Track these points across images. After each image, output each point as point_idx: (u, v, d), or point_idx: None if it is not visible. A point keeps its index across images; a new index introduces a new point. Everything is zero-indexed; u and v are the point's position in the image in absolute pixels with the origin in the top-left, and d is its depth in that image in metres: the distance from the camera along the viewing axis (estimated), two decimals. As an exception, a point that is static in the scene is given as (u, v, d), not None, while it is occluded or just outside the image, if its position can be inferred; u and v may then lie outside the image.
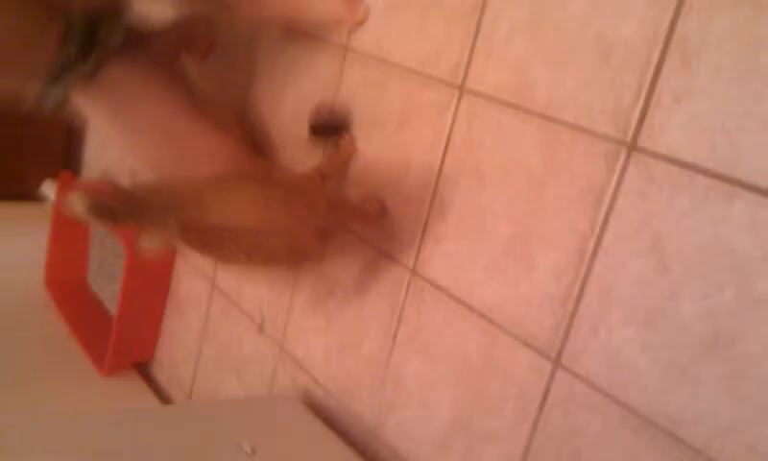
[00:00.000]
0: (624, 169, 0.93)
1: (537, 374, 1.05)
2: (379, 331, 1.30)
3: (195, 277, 1.80)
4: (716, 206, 0.85)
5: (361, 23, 1.31)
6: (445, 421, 1.19)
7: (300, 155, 1.46)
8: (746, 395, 0.83)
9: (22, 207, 2.41)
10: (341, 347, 1.39)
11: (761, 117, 0.81)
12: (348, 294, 1.36)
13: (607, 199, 0.95)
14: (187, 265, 1.84)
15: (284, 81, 1.50)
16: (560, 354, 1.02)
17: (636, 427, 0.93)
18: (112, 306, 2.07)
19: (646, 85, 0.91)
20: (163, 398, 1.93)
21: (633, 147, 0.92)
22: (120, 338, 1.84)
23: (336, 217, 1.29)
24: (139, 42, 1.18)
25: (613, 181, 0.94)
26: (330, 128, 1.38)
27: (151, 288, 1.92)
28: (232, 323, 1.68)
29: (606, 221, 0.96)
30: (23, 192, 2.40)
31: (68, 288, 2.20)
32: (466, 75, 1.14)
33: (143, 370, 2.00)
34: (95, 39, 1.09)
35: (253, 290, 1.62)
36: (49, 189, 2.36)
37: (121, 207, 0.93)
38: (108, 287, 2.15)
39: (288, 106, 1.49)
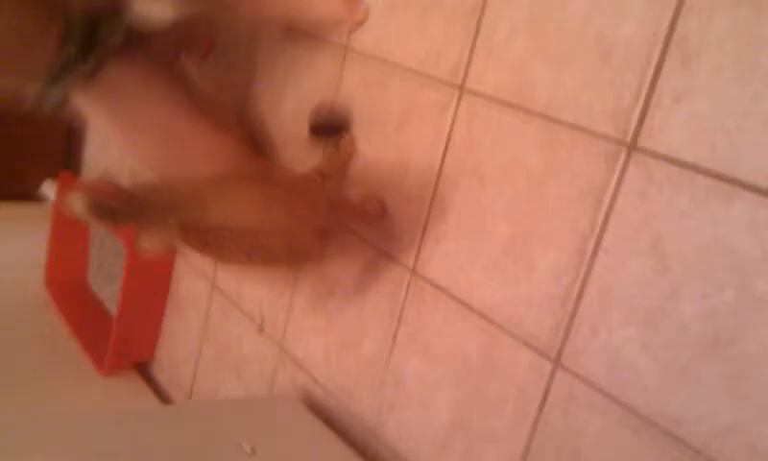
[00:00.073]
0: (624, 169, 0.93)
1: (537, 374, 1.05)
2: (379, 331, 1.30)
3: (195, 277, 1.80)
4: (716, 206, 0.85)
5: (361, 23, 1.31)
6: (445, 421, 1.19)
7: (300, 154, 1.46)
8: (746, 395, 0.83)
9: (22, 207, 2.41)
10: (341, 347, 1.39)
11: (761, 117, 0.81)
12: (348, 294, 1.36)
13: (607, 199, 0.95)
14: (187, 265, 1.84)
15: (284, 81, 1.50)
16: (560, 354, 1.02)
17: (636, 427, 0.93)
18: (112, 306, 2.07)
19: (646, 85, 0.91)
20: (163, 398, 1.93)
21: (633, 147, 0.92)
22: (120, 338, 1.84)
23: (336, 217, 1.29)
24: (139, 42, 1.18)
25: (613, 181, 0.95)
26: (330, 128, 1.38)
27: (151, 288, 1.92)
28: (232, 323, 1.68)
29: (606, 221, 0.96)
30: (23, 192, 2.40)
31: (68, 288, 2.20)
32: (466, 75, 1.14)
33: (143, 370, 2.00)
34: (95, 39, 1.09)
35: (253, 290, 1.62)
36: (49, 189, 2.37)
37: (121, 207, 0.93)
38: (107, 287, 2.15)
39: (288, 106, 1.49)
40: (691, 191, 0.87)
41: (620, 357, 0.95)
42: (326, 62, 1.39)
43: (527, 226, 1.06)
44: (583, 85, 0.98)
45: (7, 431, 1.08)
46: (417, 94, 1.22)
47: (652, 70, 0.90)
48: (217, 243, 1.06)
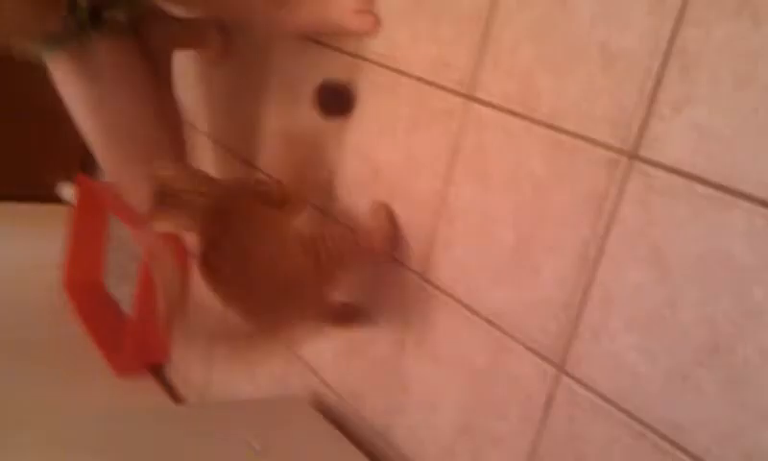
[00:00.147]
0: (625, 177, 0.94)
1: (541, 379, 1.06)
2: (388, 335, 1.32)
3: (208, 279, 1.82)
4: (714, 214, 0.85)
5: (371, 33, 1.33)
6: (452, 425, 1.20)
7: (310, 160, 1.48)
8: (745, 401, 0.84)
9: (40, 209, 2.45)
10: (350, 350, 1.40)
11: (759, 127, 0.82)
12: (357, 297, 1.38)
13: (608, 207, 0.96)
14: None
15: (297, 87, 1.52)
16: (563, 360, 1.03)
17: (638, 433, 0.94)
18: (128, 307, 2.10)
19: (647, 95, 0.92)
20: (177, 398, 1.95)
21: (634, 156, 0.93)
22: (136, 340, 1.87)
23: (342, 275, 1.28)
24: (140, 29, 1.21)
25: (615, 190, 0.96)
26: (336, 103, 1.40)
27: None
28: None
29: (608, 228, 0.97)
30: (41, 193, 2.44)
31: (85, 289, 2.23)
32: (473, 83, 1.16)
33: (157, 371, 2.03)
34: (99, 18, 1.12)
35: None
36: (65, 191, 2.40)
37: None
38: (124, 288, 2.18)
39: (301, 112, 1.51)
40: (690, 200, 0.87)
41: (622, 363, 0.96)
42: (338, 70, 1.41)
43: (532, 232, 1.07)
44: (585, 95, 0.99)
45: (23, 430, 1.10)
46: (425, 101, 1.24)
47: (652, 80, 0.91)
48: (236, 284, 1.11)
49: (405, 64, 1.27)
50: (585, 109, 0.99)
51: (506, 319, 1.11)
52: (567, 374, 1.02)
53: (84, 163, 2.49)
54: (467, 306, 1.17)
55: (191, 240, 1.12)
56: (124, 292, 2.18)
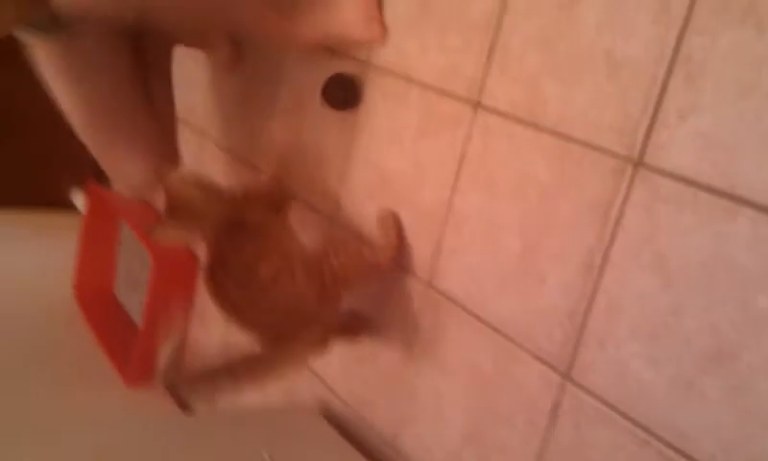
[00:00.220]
0: (630, 185, 0.95)
1: (547, 387, 1.06)
2: (395, 344, 1.32)
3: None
4: (719, 222, 0.86)
5: (379, 42, 1.34)
6: (459, 433, 1.21)
7: (319, 174, 1.49)
8: (749, 408, 0.84)
9: (51, 216, 2.46)
10: (358, 359, 1.41)
11: (763, 135, 0.82)
12: (364, 306, 1.38)
13: (614, 214, 0.97)
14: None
15: (308, 95, 1.54)
16: (569, 368, 1.03)
17: (643, 440, 0.94)
18: (138, 316, 2.11)
19: (652, 103, 0.92)
20: (186, 408, 1.96)
21: (639, 163, 0.94)
22: (145, 349, 1.88)
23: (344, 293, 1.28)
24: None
25: (620, 197, 0.96)
26: (344, 88, 1.41)
27: (176, 298, 1.95)
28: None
29: (613, 236, 0.97)
30: (52, 201, 2.45)
31: (96, 297, 2.25)
32: (481, 90, 1.16)
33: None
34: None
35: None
36: (77, 199, 2.42)
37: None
38: (134, 297, 2.19)
39: (312, 121, 1.53)
40: (695, 207, 0.88)
41: (627, 371, 0.96)
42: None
43: (538, 240, 1.07)
44: (592, 102, 1.00)
45: (33, 437, 1.11)
46: (433, 109, 1.24)
47: (658, 88, 0.92)
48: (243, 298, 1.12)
49: (414, 73, 1.28)
50: (591, 117, 1.00)
51: (512, 327, 1.11)
52: (573, 381, 1.03)
53: (95, 171, 2.51)
54: (473, 314, 1.17)
55: (200, 254, 1.14)
56: (134, 300, 2.19)
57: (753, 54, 0.83)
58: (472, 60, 1.17)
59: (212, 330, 1.86)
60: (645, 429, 0.94)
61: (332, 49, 1.43)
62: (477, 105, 1.16)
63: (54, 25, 1.16)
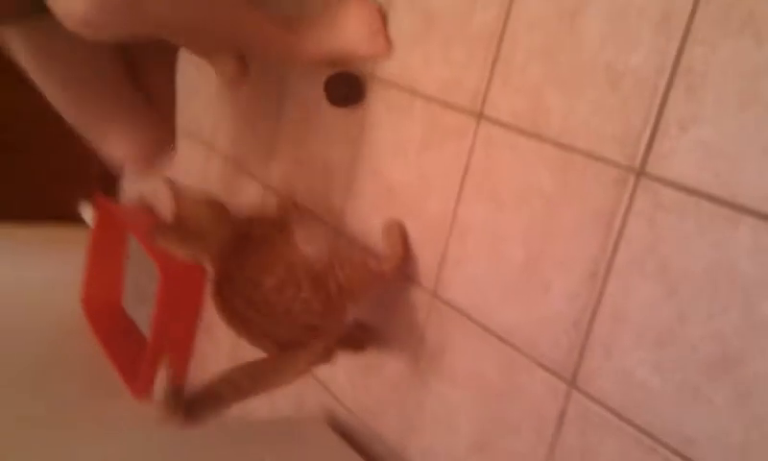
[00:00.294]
0: (633, 194, 0.96)
1: (553, 395, 1.07)
2: (401, 354, 1.33)
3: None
4: (721, 230, 0.87)
5: (385, 57, 1.36)
6: (467, 442, 1.21)
7: (325, 185, 1.50)
8: (756, 414, 0.84)
9: (60, 230, 2.48)
10: (365, 369, 1.41)
11: (762, 144, 0.83)
12: (370, 317, 1.39)
13: (617, 223, 0.98)
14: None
15: (313, 109, 1.55)
16: (575, 376, 1.04)
17: (649, 448, 0.94)
18: (146, 329, 2.12)
19: (654, 113, 0.93)
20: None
21: (641, 173, 0.95)
22: (153, 361, 1.89)
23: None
24: None
25: (623, 206, 0.97)
26: (346, 84, 1.43)
27: (183, 311, 1.96)
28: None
29: (616, 245, 0.98)
30: (61, 215, 2.47)
31: (104, 311, 2.26)
32: (484, 102, 1.18)
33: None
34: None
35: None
36: (85, 212, 2.43)
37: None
38: (142, 310, 2.20)
39: (317, 133, 1.54)
40: (697, 216, 0.89)
41: (633, 378, 0.97)
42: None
43: (542, 249, 1.08)
44: (594, 113, 1.01)
45: (42, 449, 1.12)
46: (438, 121, 1.26)
47: (659, 99, 0.93)
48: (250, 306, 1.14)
49: (417, 85, 1.29)
50: (593, 128, 1.01)
51: (517, 335, 1.12)
52: (579, 389, 1.03)
53: (103, 185, 2.53)
54: (478, 323, 1.18)
55: (207, 270, 1.15)
56: (142, 313, 2.20)
57: (752, 64, 0.84)
58: (475, 73, 1.19)
59: (220, 343, 1.87)
60: (651, 436, 0.94)
61: (337, 63, 1.44)
62: (480, 116, 1.18)
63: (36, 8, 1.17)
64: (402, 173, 1.32)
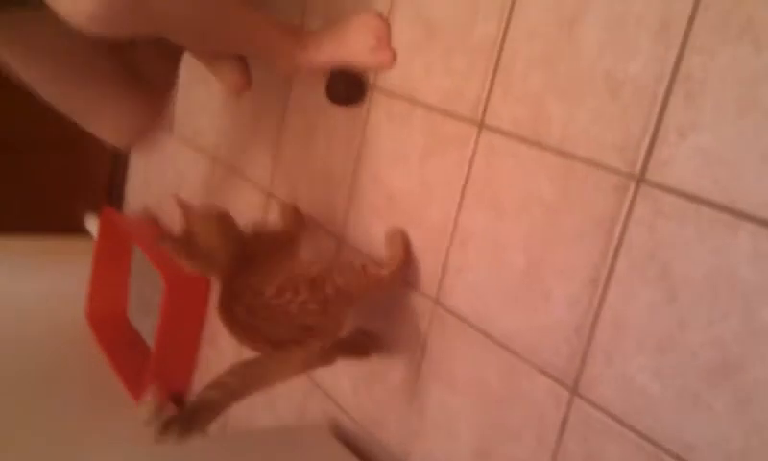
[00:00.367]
0: (633, 201, 0.96)
1: (555, 401, 1.07)
2: (404, 361, 1.34)
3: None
4: (721, 237, 0.87)
5: (388, 67, 1.37)
6: (469, 449, 1.21)
7: (327, 194, 1.51)
8: (757, 420, 0.85)
9: (65, 241, 2.49)
10: (367, 377, 1.42)
11: (761, 151, 0.83)
12: (373, 324, 1.40)
13: (617, 230, 0.98)
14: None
15: (315, 117, 1.56)
16: (576, 382, 1.04)
17: (651, 454, 0.95)
18: (151, 339, 2.13)
19: (653, 121, 0.94)
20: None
21: (641, 180, 0.95)
22: (157, 371, 1.89)
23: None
24: None
25: (623, 213, 0.97)
26: (347, 83, 1.44)
27: (187, 321, 1.96)
28: (265, 354, 1.72)
29: (617, 251, 0.98)
30: (66, 226, 2.48)
31: (109, 321, 2.27)
32: (485, 111, 1.18)
33: (179, 401, 2.04)
34: None
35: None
36: (91, 224, 2.44)
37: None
38: (147, 321, 2.21)
39: (319, 141, 1.55)
40: (697, 223, 0.89)
41: (634, 385, 0.97)
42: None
43: (543, 256, 1.09)
44: (594, 121, 1.01)
45: (48, 459, 1.12)
46: (439, 130, 1.26)
47: (658, 106, 0.94)
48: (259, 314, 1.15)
49: (419, 95, 1.30)
50: (593, 135, 1.01)
51: (519, 342, 1.12)
52: (581, 396, 1.04)
53: (109, 196, 2.54)
54: (480, 330, 1.18)
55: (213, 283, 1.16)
56: (146, 324, 2.21)
57: (750, 71, 0.85)
58: (476, 82, 1.19)
59: (224, 353, 1.87)
60: (653, 442, 0.94)
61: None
62: (482, 125, 1.18)
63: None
64: (404, 181, 1.33)
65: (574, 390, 1.04)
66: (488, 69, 1.18)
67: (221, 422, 1.85)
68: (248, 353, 1.18)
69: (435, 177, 1.27)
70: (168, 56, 1.59)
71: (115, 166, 2.54)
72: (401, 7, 1.34)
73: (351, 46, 1.38)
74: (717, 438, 0.88)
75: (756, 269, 0.84)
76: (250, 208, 1.79)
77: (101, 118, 1.44)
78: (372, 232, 1.40)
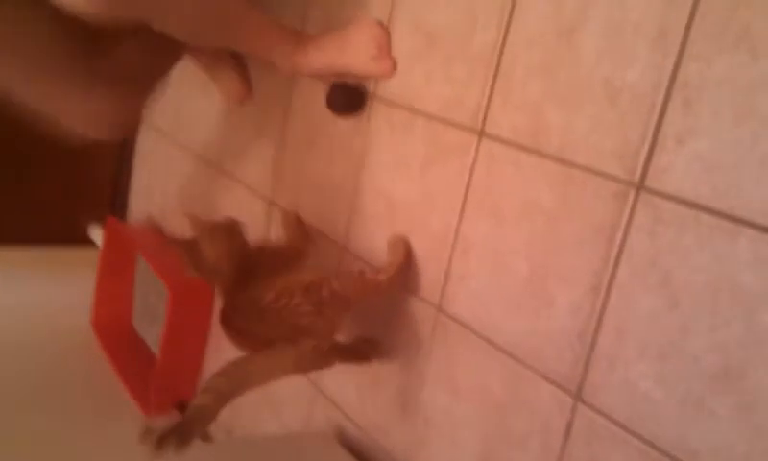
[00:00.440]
0: (633, 208, 0.97)
1: (559, 408, 1.08)
2: (408, 368, 1.34)
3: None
4: (720, 243, 0.87)
5: (389, 78, 1.37)
6: (473, 456, 1.22)
7: (331, 200, 1.52)
8: (759, 425, 0.85)
9: (70, 251, 2.50)
10: (372, 384, 1.42)
11: (759, 157, 0.84)
12: (377, 331, 1.40)
13: (618, 237, 0.99)
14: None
15: (316, 126, 1.57)
16: (580, 389, 1.05)
17: (655, 460, 0.95)
18: (156, 348, 2.13)
19: (652, 128, 0.94)
20: (204, 436, 1.97)
21: (641, 187, 0.96)
22: (162, 379, 1.90)
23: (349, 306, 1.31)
24: None
25: (624, 220, 0.98)
26: (347, 94, 1.44)
27: (192, 328, 1.97)
28: (269, 362, 1.72)
29: (618, 259, 0.99)
30: (71, 236, 2.49)
31: (114, 330, 2.27)
32: (485, 119, 1.19)
33: (184, 409, 2.04)
34: None
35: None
36: (95, 234, 2.45)
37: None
38: (152, 329, 2.21)
39: (321, 149, 1.55)
40: (697, 229, 0.90)
41: (637, 391, 0.97)
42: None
43: (545, 263, 1.09)
44: (593, 128, 1.02)
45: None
46: (440, 139, 1.27)
47: (657, 113, 0.94)
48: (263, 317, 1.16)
49: (420, 104, 1.31)
50: (592, 143, 1.02)
51: (523, 349, 1.13)
52: (584, 402, 1.04)
53: (113, 206, 2.55)
54: (483, 337, 1.19)
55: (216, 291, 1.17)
56: (152, 333, 2.21)
57: (747, 79, 0.85)
58: (476, 91, 1.20)
59: (229, 358, 1.87)
60: (657, 448, 0.95)
61: (340, 76, 1.46)
62: (482, 133, 1.19)
63: None
64: (406, 190, 1.33)
65: (578, 396, 1.05)
66: (487, 77, 1.18)
67: (226, 429, 1.87)
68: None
69: (436, 185, 1.27)
70: (152, 51, 1.58)
71: (119, 176, 2.55)
72: (401, 15, 1.35)
73: (352, 53, 1.38)
74: (721, 443, 0.88)
75: (757, 275, 0.84)
76: (252, 218, 1.79)
77: (65, 108, 1.43)
78: (374, 241, 1.41)
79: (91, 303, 2.24)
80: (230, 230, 1.23)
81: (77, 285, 2.27)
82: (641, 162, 0.96)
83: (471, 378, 1.21)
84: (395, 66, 1.36)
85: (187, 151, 2.13)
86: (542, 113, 1.09)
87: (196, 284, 1.86)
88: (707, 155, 0.89)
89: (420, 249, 1.30)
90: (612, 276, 1.00)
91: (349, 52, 1.39)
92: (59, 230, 2.48)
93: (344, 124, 1.48)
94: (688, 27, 0.91)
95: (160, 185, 2.31)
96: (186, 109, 2.13)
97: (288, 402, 1.67)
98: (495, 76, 1.17)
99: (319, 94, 1.52)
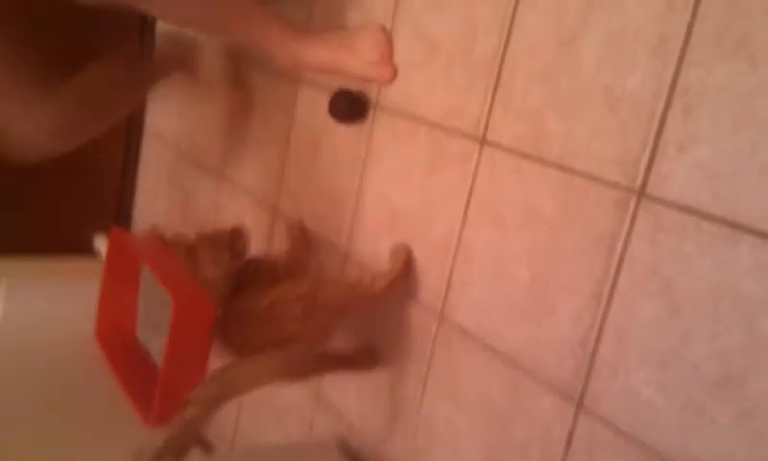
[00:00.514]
0: (634, 216, 0.97)
1: (560, 417, 1.08)
2: (410, 376, 1.34)
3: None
4: (721, 250, 0.87)
5: (389, 84, 1.38)
6: (476, 464, 1.22)
7: (332, 211, 1.52)
8: (760, 432, 0.85)
9: (74, 262, 2.50)
10: (374, 393, 1.42)
11: (759, 164, 0.84)
12: (378, 339, 1.40)
13: (619, 245, 0.99)
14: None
15: (319, 134, 1.57)
16: (582, 397, 1.04)
17: (657, 468, 0.95)
18: (159, 358, 2.13)
19: (652, 135, 0.95)
20: (206, 447, 1.97)
21: (642, 194, 0.96)
22: (165, 390, 1.89)
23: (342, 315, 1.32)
24: None
25: (625, 228, 0.98)
26: (350, 101, 1.45)
27: (195, 338, 1.97)
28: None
29: (619, 266, 0.99)
30: (75, 247, 2.49)
31: (118, 341, 2.27)
32: (486, 127, 1.19)
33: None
34: None
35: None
36: (99, 244, 2.46)
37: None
38: (155, 339, 2.21)
39: (324, 157, 1.56)
40: (697, 236, 0.90)
41: (639, 399, 0.97)
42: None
43: (546, 271, 1.09)
44: (594, 136, 1.02)
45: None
46: (441, 147, 1.27)
47: (657, 120, 0.94)
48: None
49: (422, 112, 1.31)
50: (593, 150, 1.02)
51: (524, 357, 1.13)
52: (586, 409, 1.04)
53: (117, 216, 2.56)
54: (485, 345, 1.19)
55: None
56: (156, 343, 2.21)
57: (746, 86, 0.85)
58: (478, 99, 1.20)
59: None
60: (658, 456, 0.94)
61: (339, 76, 1.47)
62: (483, 141, 1.19)
63: None
64: (408, 197, 1.33)
65: (580, 404, 1.05)
66: (489, 85, 1.19)
67: (228, 438, 1.86)
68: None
69: (438, 193, 1.27)
70: (113, 84, 1.60)
71: (123, 186, 2.56)
72: (402, 23, 1.35)
73: (354, 54, 1.38)
74: (722, 451, 0.88)
75: (758, 281, 0.84)
76: (256, 225, 1.80)
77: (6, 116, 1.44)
78: (376, 248, 1.41)
79: (95, 313, 2.24)
80: (231, 239, 1.23)
81: (81, 295, 2.27)
82: (642, 169, 0.96)
83: (473, 386, 1.21)
84: (395, 73, 1.36)
85: (190, 160, 2.14)
86: (543, 121, 1.09)
87: (200, 294, 1.87)
88: (707, 162, 0.89)
89: (422, 256, 1.31)
90: (614, 283, 1.00)
91: (351, 52, 1.39)
92: (64, 240, 2.48)
93: (346, 132, 1.49)
94: (688, 35, 0.91)
95: (164, 195, 2.31)
96: (190, 118, 2.14)
97: (290, 412, 1.67)
98: (497, 84, 1.17)
99: (322, 102, 1.53)
